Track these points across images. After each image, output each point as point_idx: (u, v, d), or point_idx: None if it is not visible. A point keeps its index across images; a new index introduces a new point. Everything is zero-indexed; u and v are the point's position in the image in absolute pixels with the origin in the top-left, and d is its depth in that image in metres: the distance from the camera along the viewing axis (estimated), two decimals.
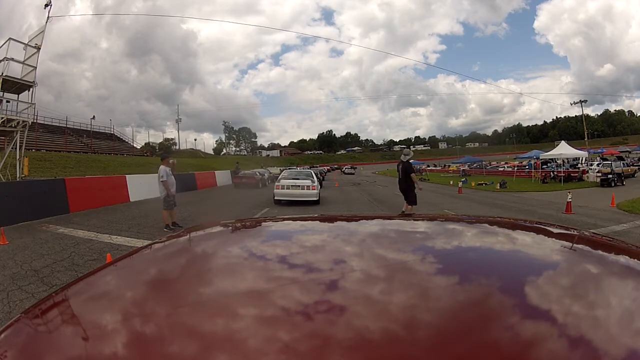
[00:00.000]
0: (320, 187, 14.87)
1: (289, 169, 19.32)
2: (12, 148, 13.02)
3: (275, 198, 11.85)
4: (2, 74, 12.04)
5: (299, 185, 11.84)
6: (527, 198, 15.18)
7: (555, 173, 23.28)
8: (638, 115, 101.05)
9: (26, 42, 13.38)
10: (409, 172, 7.98)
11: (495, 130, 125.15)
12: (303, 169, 21.12)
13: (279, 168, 35.74)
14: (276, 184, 12.28)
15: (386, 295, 0.58)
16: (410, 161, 8.24)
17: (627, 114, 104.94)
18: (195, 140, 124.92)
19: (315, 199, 11.73)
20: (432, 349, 0.45)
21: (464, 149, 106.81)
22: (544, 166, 25.62)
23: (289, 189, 11.77)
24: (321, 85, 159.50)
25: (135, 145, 54.36)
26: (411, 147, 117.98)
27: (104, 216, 9.63)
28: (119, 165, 29.93)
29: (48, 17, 14.51)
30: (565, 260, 0.76)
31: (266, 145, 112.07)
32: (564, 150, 23.11)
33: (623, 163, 23.77)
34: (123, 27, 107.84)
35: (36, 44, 13.26)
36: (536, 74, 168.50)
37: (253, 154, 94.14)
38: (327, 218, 1.30)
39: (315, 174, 14.66)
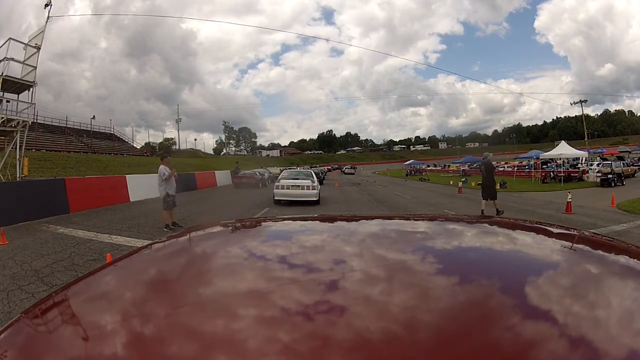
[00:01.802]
0: (321, 185, 15.08)
1: (289, 169, 19.43)
2: (12, 148, 13.01)
3: (275, 198, 11.88)
4: (2, 74, 12.03)
5: (299, 185, 11.85)
6: (527, 198, 15.17)
7: (555, 173, 23.25)
8: (638, 115, 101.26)
9: (26, 42, 13.38)
10: (491, 170, 9.63)
11: (495, 130, 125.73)
12: (303, 169, 21.23)
13: (278, 168, 35.72)
14: (276, 184, 12.30)
15: (386, 295, 0.57)
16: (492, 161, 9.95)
17: (627, 114, 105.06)
18: (195, 140, 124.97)
19: (315, 199, 11.75)
20: (433, 349, 0.45)
21: (464, 149, 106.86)
22: (544, 166, 25.60)
23: (288, 189, 11.79)
24: (321, 85, 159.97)
25: (135, 145, 54.35)
26: (411, 147, 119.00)
27: (104, 216, 9.63)
28: (119, 165, 29.92)
29: (48, 17, 14.53)
30: (565, 260, 0.76)
31: (266, 145, 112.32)
32: (564, 150, 23.09)
33: (623, 163, 23.75)
34: (122, 27, 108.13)
35: (36, 44, 13.25)
36: (536, 73, 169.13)
37: (253, 154, 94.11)
38: (327, 218, 1.30)
39: (315, 173, 14.85)
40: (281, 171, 16.77)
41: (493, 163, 10.36)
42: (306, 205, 11.53)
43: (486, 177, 9.57)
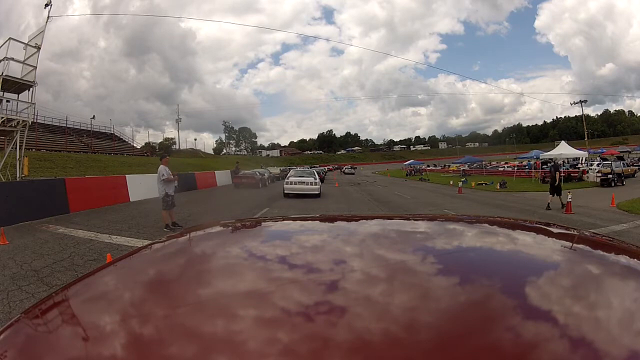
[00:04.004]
0: (322, 183, 18.19)
1: (291, 168, 22.04)
2: (12, 148, 13.01)
3: (285, 192, 14.94)
4: (2, 73, 12.03)
5: (304, 182, 15.20)
6: (527, 198, 15.18)
7: None
8: (638, 115, 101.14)
9: (26, 42, 13.37)
10: (557, 170, 11.80)
11: (496, 130, 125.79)
12: (304, 169, 23.07)
13: (278, 168, 35.78)
14: (285, 180, 15.74)
15: (387, 296, 0.57)
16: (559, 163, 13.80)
17: (627, 114, 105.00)
18: (195, 140, 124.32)
19: (317, 192, 14.98)
20: (434, 350, 0.45)
21: (464, 148, 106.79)
22: (544, 166, 25.56)
23: (296, 184, 15.12)
24: (321, 85, 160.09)
25: (135, 145, 54.25)
26: (411, 147, 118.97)
27: (104, 216, 9.62)
28: (119, 165, 29.91)
29: (48, 17, 14.52)
30: (566, 260, 0.76)
31: (266, 145, 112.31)
32: (564, 150, 23.10)
33: (623, 163, 23.72)
34: (121, 26, 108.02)
35: (36, 44, 13.25)
36: (537, 73, 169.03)
37: (253, 154, 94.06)
38: (327, 218, 1.30)
39: (318, 172, 18.86)
40: (281, 171, 20.42)
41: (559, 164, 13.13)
42: (307, 201, 13.33)
43: (553, 177, 11.47)
